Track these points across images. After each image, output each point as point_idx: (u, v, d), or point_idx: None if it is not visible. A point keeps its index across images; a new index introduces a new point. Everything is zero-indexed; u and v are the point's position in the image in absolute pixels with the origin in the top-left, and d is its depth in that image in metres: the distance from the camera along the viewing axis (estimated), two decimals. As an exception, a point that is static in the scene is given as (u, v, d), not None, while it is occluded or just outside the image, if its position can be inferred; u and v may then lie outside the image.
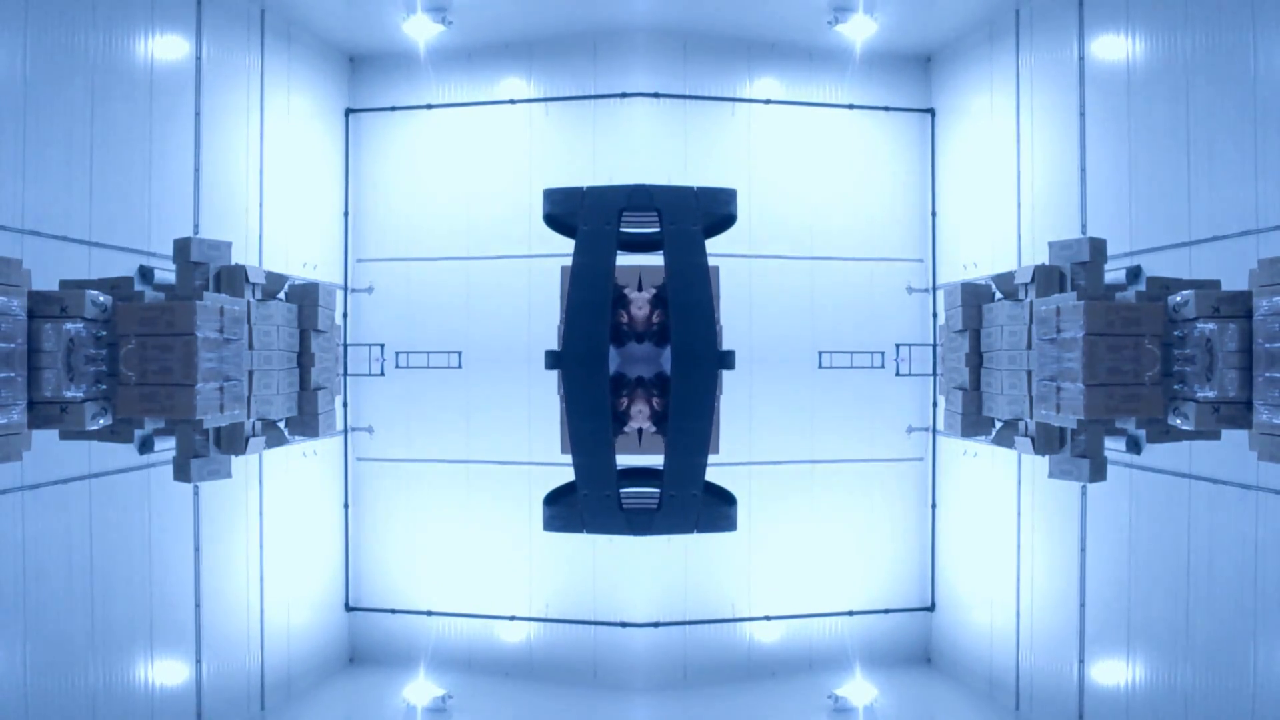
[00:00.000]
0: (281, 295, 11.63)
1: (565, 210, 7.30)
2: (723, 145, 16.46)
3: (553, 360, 9.09)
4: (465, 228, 16.39)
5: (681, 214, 6.12)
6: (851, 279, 16.78)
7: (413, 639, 1.60)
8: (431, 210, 16.63)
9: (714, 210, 6.62)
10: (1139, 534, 2.31)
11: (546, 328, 14.37)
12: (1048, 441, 4.05)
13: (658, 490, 2.76)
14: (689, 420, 4.51)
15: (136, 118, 12.30)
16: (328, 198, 16.62)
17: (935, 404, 7.30)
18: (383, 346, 16.57)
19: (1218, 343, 9.22)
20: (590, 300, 6.01)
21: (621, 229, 7.70)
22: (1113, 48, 12.91)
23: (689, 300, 5.91)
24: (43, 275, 9.54)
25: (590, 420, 4.62)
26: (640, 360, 10.15)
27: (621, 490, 2.69)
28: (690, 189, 8.52)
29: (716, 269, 12.90)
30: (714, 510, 2.29)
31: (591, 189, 9.33)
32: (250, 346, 10.63)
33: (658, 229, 8.00)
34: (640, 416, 5.01)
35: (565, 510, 2.36)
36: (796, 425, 5.51)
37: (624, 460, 3.47)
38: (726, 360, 8.52)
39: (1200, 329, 9.36)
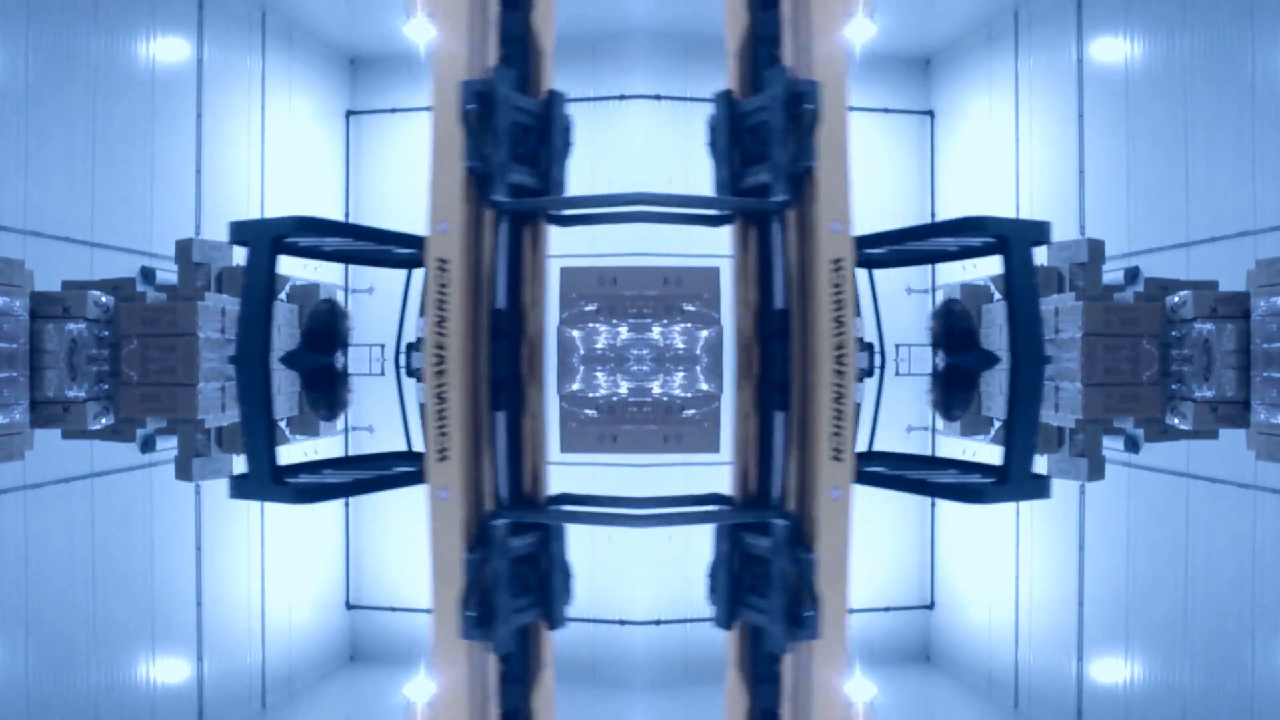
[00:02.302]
0: (283, 296, 11.63)
1: (238, 239, 8.58)
2: (723, 146, 16.44)
3: (229, 361, 9.87)
4: (465, 229, 16.39)
5: (1022, 241, 7.50)
6: (851, 280, 16.76)
7: (414, 636, 1.60)
8: (431, 211, 16.63)
9: (1039, 238, 8.11)
10: (1137, 532, 2.32)
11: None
12: (1046, 441, 4.06)
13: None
14: (1026, 408, 5.77)
15: (138, 119, 12.31)
16: (328, 199, 16.63)
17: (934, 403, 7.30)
18: (383, 347, 16.57)
19: (1215, 343, 9.23)
20: (251, 314, 7.57)
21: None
22: (1111, 50, 12.91)
23: (1025, 313, 7.31)
24: (45, 276, 9.55)
25: (251, 407, 5.84)
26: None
27: None
28: (1027, 222, 10.54)
29: (717, 270, 12.92)
30: (1040, 482, 2.88)
31: (252, 222, 10.46)
32: (250, 347, 10.63)
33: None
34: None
35: (240, 482, 2.87)
36: (796, 426, 5.51)
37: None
38: (1050, 361, 9.51)
39: (1198, 329, 9.37)
